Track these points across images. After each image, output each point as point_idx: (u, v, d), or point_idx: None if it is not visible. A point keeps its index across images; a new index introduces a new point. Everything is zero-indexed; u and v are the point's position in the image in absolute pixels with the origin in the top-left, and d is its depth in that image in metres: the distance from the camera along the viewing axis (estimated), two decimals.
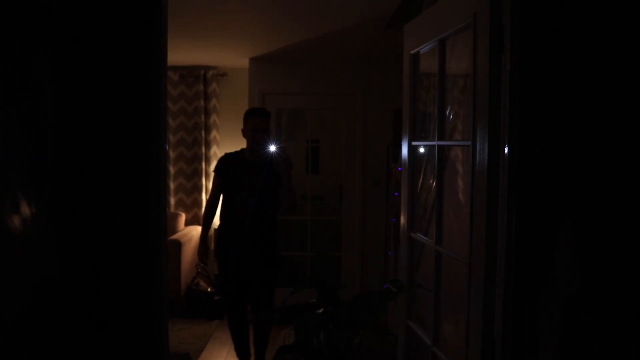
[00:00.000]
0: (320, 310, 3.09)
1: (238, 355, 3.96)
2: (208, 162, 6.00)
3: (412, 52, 2.50)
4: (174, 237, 5.30)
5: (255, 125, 3.72)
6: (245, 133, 3.81)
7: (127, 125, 1.71)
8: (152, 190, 1.73)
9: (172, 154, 6.02)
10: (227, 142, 6.04)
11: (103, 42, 1.69)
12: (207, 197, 4.15)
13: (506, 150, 1.69)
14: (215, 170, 3.89)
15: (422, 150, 2.60)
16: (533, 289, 1.69)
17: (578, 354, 1.62)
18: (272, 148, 3.54)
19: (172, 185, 6.04)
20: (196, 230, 5.79)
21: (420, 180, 2.72)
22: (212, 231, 5.45)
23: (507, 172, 1.68)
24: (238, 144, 5.90)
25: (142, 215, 1.73)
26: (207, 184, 6.02)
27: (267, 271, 3.81)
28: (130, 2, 1.69)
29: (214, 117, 6.01)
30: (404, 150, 2.60)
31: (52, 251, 1.70)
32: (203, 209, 4.63)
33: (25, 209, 1.62)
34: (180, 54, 5.26)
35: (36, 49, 1.65)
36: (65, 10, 1.68)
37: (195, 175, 6.06)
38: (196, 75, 5.95)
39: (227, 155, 3.94)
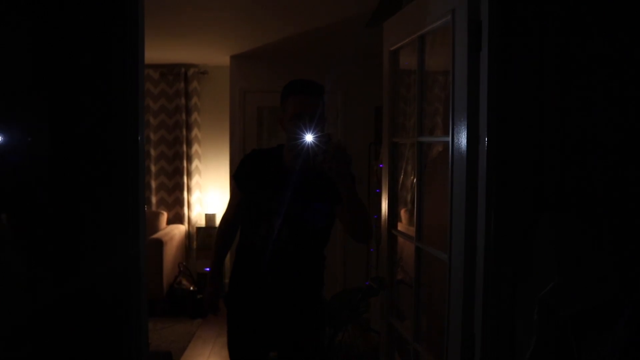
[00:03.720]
0: None
1: None
2: (190, 160, 5.97)
3: (391, 49, 2.50)
4: (156, 236, 5.26)
5: (300, 108, 2.16)
6: (284, 122, 2.22)
7: (104, 123, 1.69)
8: (129, 189, 1.71)
9: (153, 153, 5.98)
10: (208, 140, 6.01)
11: (76, 38, 1.67)
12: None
13: (485, 146, 1.70)
14: (235, 176, 2.35)
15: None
16: (512, 283, 1.71)
17: (555, 348, 1.64)
18: (309, 138, 2.00)
19: (153, 184, 6.00)
20: (178, 229, 5.74)
21: (401, 177, 2.73)
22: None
23: (485, 168, 1.69)
24: (220, 142, 5.92)
25: (120, 215, 1.71)
26: (189, 182, 5.98)
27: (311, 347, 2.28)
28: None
29: (195, 115, 5.98)
30: (385, 147, 2.61)
31: (24, 256, 1.68)
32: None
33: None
34: (161, 51, 5.21)
35: (14, 48, 1.63)
36: (41, 11, 1.66)
37: (176, 174, 6.02)
38: (177, 73, 5.91)
39: (254, 152, 2.38)
